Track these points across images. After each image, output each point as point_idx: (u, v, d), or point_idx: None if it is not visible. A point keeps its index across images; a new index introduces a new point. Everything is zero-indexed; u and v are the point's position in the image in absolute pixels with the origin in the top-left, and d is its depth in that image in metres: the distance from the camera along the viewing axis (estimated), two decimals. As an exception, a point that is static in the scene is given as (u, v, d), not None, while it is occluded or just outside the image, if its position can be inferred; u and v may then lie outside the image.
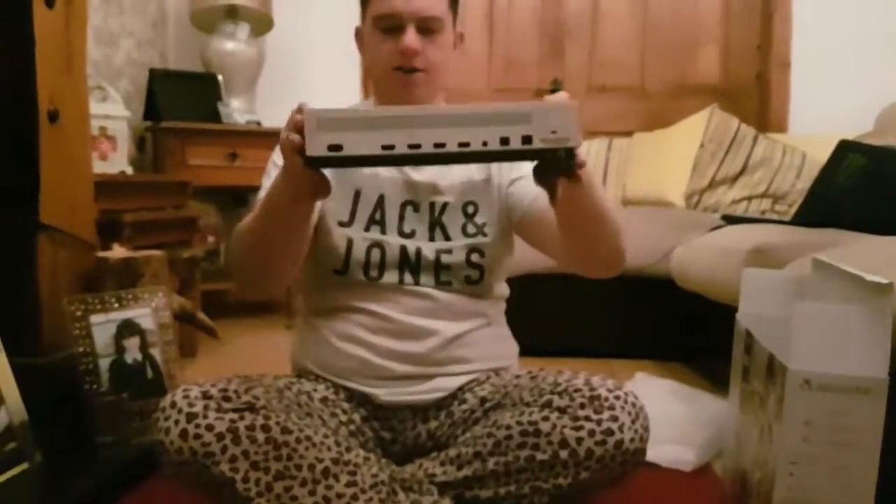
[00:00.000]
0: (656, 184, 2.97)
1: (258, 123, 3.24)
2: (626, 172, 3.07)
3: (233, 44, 3.25)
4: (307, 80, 3.50)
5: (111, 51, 3.04)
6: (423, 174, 1.22)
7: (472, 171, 1.23)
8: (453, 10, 1.22)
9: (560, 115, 0.81)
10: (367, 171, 1.20)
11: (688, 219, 2.62)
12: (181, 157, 2.98)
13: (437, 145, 0.80)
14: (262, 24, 3.34)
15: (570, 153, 0.83)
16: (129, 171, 2.64)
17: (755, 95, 3.52)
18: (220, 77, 3.22)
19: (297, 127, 0.85)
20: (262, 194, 1.10)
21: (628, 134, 3.25)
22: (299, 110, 0.85)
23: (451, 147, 0.80)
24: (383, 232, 1.19)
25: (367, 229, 1.19)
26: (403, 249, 1.19)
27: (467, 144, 0.80)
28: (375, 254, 1.18)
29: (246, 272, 1.11)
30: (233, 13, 3.23)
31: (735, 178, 2.93)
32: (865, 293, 1.00)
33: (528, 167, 1.06)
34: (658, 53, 3.55)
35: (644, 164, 3.05)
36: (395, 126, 0.80)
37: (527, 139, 0.80)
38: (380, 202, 1.20)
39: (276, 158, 1.19)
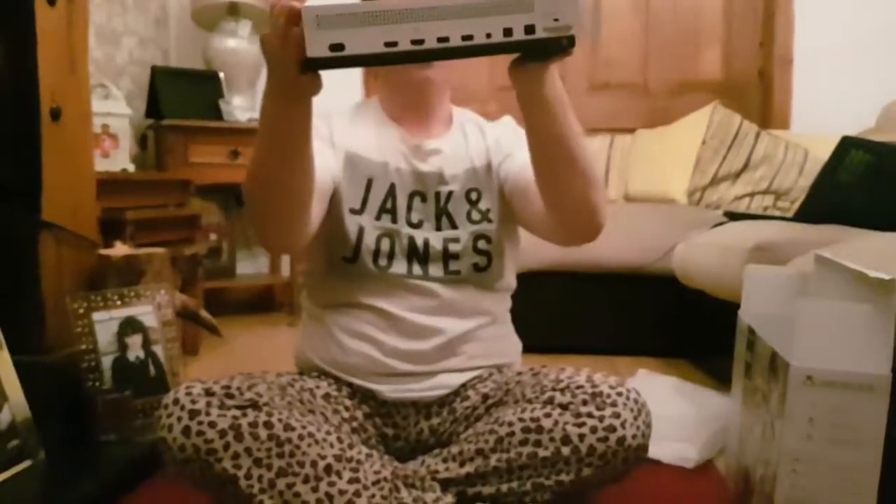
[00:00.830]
0: (659, 181, 2.97)
1: (260, 121, 3.24)
2: (628, 169, 3.07)
3: (234, 41, 3.25)
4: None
5: (113, 49, 3.05)
6: (430, 164, 1.23)
7: (473, 159, 1.24)
8: None
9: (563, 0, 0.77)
10: (378, 160, 1.20)
11: (690, 215, 2.62)
12: (183, 154, 2.98)
13: (440, 40, 0.77)
14: (263, 20, 3.33)
15: (572, 41, 0.80)
16: (131, 168, 2.64)
17: (757, 92, 3.51)
18: (221, 74, 3.22)
19: (292, 18, 0.77)
20: None
21: (631, 131, 3.25)
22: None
23: (455, 41, 0.77)
24: (394, 221, 1.20)
25: (378, 218, 1.19)
26: (412, 240, 1.19)
27: (471, 38, 0.77)
28: (385, 243, 1.19)
29: (264, 214, 1.04)
30: (234, 10, 3.23)
31: (737, 175, 2.92)
32: (868, 290, 1.00)
33: (517, 147, 1.04)
34: (660, 51, 3.54)
35: (646, 161, 3.04)
36: (398, 21, 0.76)
37: (529, 29, 0.78)
38: (391, 191, 1.21)
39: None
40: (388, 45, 0.76)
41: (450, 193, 1.22)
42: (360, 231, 1.18)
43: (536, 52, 0.83)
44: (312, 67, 0.78)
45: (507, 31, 0.77)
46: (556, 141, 0.98)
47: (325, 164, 1.14)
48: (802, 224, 1.76)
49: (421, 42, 0.77)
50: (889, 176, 1.65)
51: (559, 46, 0.80)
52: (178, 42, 3.59)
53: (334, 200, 1.19)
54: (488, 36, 0.77)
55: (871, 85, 3.20)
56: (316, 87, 0.85)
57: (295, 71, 0.81)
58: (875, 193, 1.67)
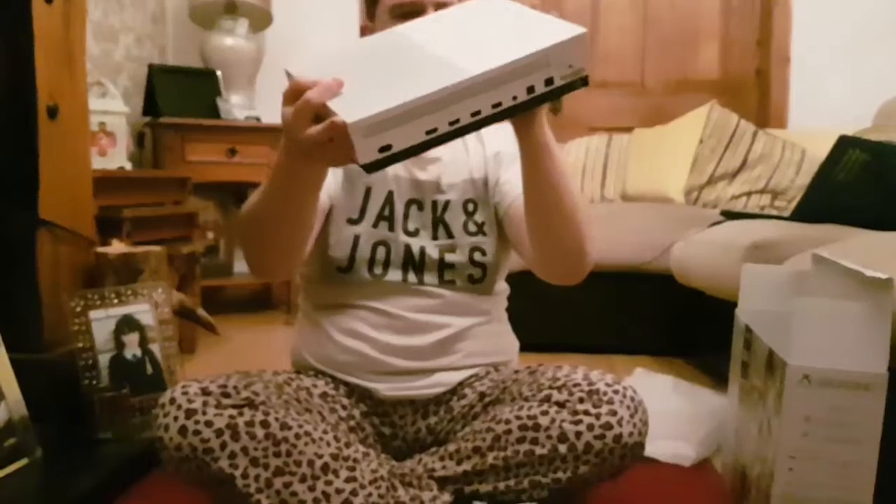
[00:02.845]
0: (656, 179, 2.97)
1: (257, 119, 3.24)
2: (625, 168, 3.07)
3: (232, 39, 3.24)
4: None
5: (110, 46, 3.04)
6: (428, 173, 1.22)
7: (472, 170, 1.23)
8: None
9: (574, 46, 0.81)
10: None
11: (687, 214, 2.62)
12: (180, 152, 2.98)
13: (473, 114, 0.80)
14: (261, 19, 3.33)
15: (586, 80, 0.84)
16: (128, 167, 2.64)
17: (755, 91, 3.51)
18: (219, 73, 3.21)
19: (336, 132, 0.78)
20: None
21: (628, 130, 3.25)
22: (318, 106, 0.81)
23: (486, 111, 0.81)
24: (391, 229, 1.19)
25: (375, 226, 1.19)
26: (408, 248, 1.19)
27: (499, 104, 0.81)
28: (381, 252, 1.18)
29: (260, 251, 1.07)
30: (232, 9, 3.23)
31: (735, 174, 2.92)
32: (865, 289, 1.00)
33: (515, 165, 1.07)
34: (658, 49, 3.55)
35: (644, 160, 3.04)
36: (434, 110, 0.78)
37: (549, 81, 0.81)
38: (388, 199, 1.20)
39: None
40: (428, 133, 0.79)
41: (447, 203, 1.21)
42: (356, 240, 1.18)
43: (555, 98, 0.85)
44: (369, 170, 0.80)
45: (530, 89, 0.81)
46: (550, 187, 0.99)
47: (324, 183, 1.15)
48: (799, 223, 1.76)
49: (457, 121, 0.80)
50: (886, 175, 1.65)
51: (574, 88, 0.83)
52: (176, 39, 3.58)
53: (330, 212, 1.19)
54: (514, 98, 0.81)
55: (869, 84, 3.21)
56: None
57: (330, 161, 0.85)
58: (872, 192, 1.67)
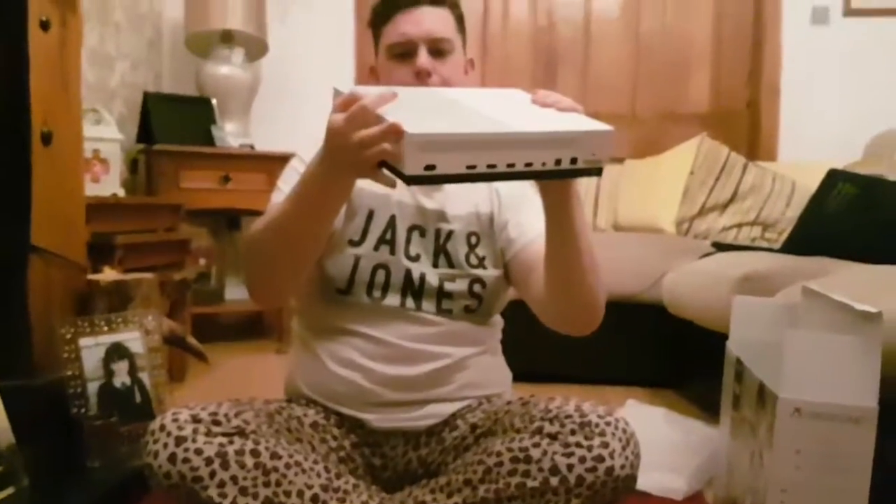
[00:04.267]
0: (647, 210, 2.99)
1: (251, 147, 3.25)
2: (617, 198, 3.09)
3: (228, 68, 3.27)
4: (301, 104, 3.52)
5: (106, 73, 3.05)
6: (434, 201, 1.23)
7: (478, 204, 1.24)
8: (461, 33, 1.26)
9: (604, 139, 0.90)
10: (381, 191, 1.20)
11: (679, 245, 2.63)
12: (174, 179, 2.98)
13: (508, 165, 0.87)
14: (256, 48, 3.36)
15: (601, 171, 0.93)
16: (121, 193, 2.64)
17: (745, 123, 3.55)
18: (214, 100, 3.23)
19: (392, 135, 0.82)
20: (278, 198, 1.11)
21: (619, 160, 3.27)
22: (364, 109, 0.85)
23: (519, 167, 0.88)
24: (392, 252, 1.19)
25: (376, 248, 1.19)
26: (408, 273, 1.19)
27: (531, 164, 0.88)
28: (380, 275, 1.18)
29: (270, 268, 1.07)
30: (228, 38, 3.26)
31: (725, 206, 2.95)
32: (855, 322, 1.00)
33: (525, 209, 1.09)
34: (649, 81, 3.59)
35: (635, 191, 3.06)
36: (480, 149, 0.85)
37: (573, 160, 0.90)
38: (391, 222, 1.21)
39: (298, 166, 1.18)
40: (468, 168, 0.85)
41: (450, 232, 1.22)
42: (356, 262, 1.18)
43: (574, 176, 0.95)
44: (408, 183, 0.85)
45: (557, 161, 0.89)
46: (576, 250, 1.04)
47: None
48: (790, 255, 1.77)
49: (494, 166, 0.86)
50: (876, 208, 1.67)
51: (590, 174, 0.92)
52: (171, 67, 3.61)
53: (334, 231, 1.19)
54: (543, 164, 0.89)
55: (858, 117, 3.25)
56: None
57: (369, 169, 0.88)
58: (862, 226, 1.68)
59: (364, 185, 1.20)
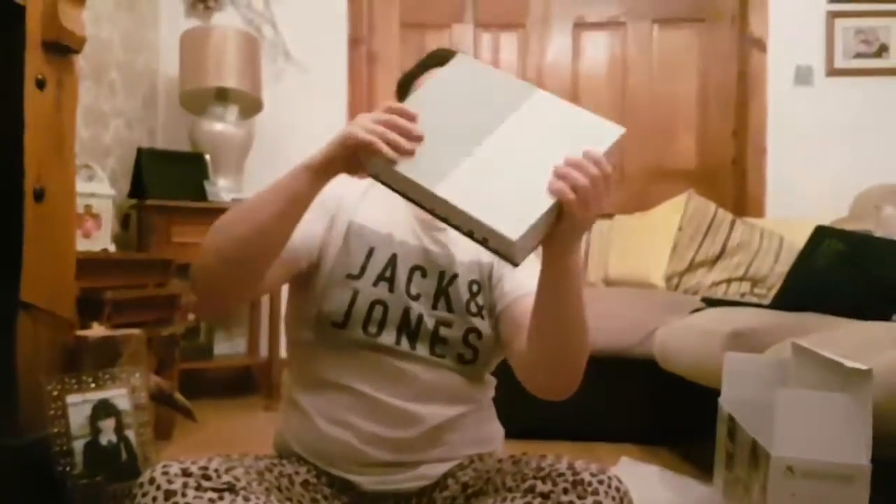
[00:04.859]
0: (637, 265, 3.00)
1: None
2: (608, 253, 3.11)
3: (222, 125, 3.30)
4: (295, 160, 3.53)
5: (100, 129, 3.09)
6: (438, 245, 1.23)
7: (481, 253, 1.24)
8: None
9: (500, 240, 0.89)
10: (383, 231, 1.22)
11: (669, 300, 2.64)
12: (166, 234, 2.99)
13: (441, 214, 0.95)
14: (251, 106, 3.41)
15: (515, 265, 0.93)
16: (112, 248, 2.64)
17: (732, 180, 3.60)
18: (207, 156, 3.26)
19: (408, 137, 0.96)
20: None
21: (609, 216, 3.30)
22: None
23: (450, 220, 0.94)
24: (391, 290, 1.19)
25: (374, 284, 1.19)
26: (406, 312, 1.18)
27: (457, 225, 0.94)
28: (378, 311, 1.17)
29: (223, 265, 1.04)
30: (222, 95, 3.30)
31: (714, 261, 2.97)
32: (846, 380, 1.01)
33: (522, 265, 1.11)
34: (636, 138, 3.64)
35: (625, 246, 3.09)
36: (421, 193, 0.96)
37: (484, 240, 0.92)
38: (392, 260, 1.21)
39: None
40: (408, 198, 0.97)
41: (454, 277, 1.22)
42: (355, 295, 1.17)
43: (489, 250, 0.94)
44: (375, 178, 1.00)
45: (470, 232, 0.93)
46: (567, 309, 1.04)
47: (313, 233, 1.18)
48: (779, 311, 1.78)
49: (432, 210, 0.96)
50: (863, 265, 1.68)
51: (505, 259, 0.92)
52: (166, 124, 3.65)
53: (330, 268, 1.19)
54: (464, 228, 0.93)
55: (844, 174, 3.31)
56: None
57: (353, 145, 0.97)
58: (849, 282, 1.70)
59: (366, 223, 1.22)
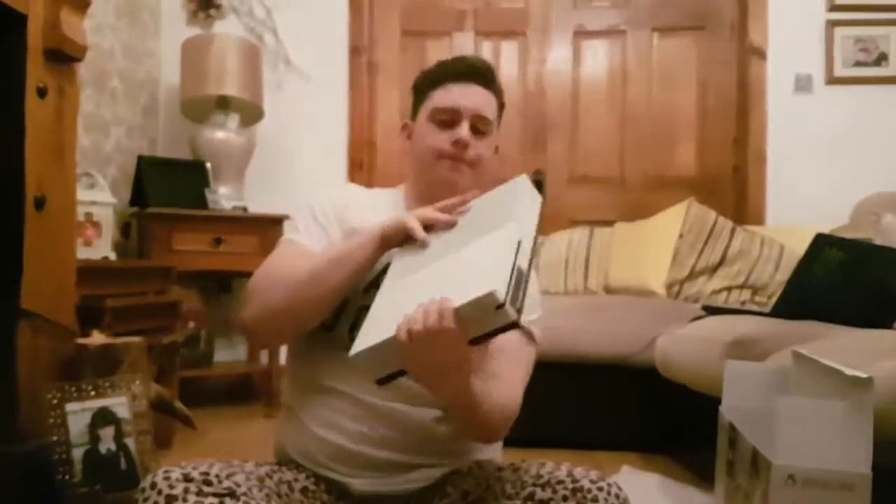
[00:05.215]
0: (638, 273, 3.00)
1: (244, 209, 3.27)
2: (608, 261, 3.11)
3: (223, 133, 3.31)
4: (296, 168, 3.57)
5: (101, 138, 3.09)
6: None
7: None
8: (499, 119, 1.32)
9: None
10: None
11: (669, 308, 2.64)
12: (166, 242, 2.99)
13: None
14: (252, 114, 3.41)
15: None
16: (113, 256, 2.64)
17: (732, 188, 3.60)
18: (208, 164, 3.26)
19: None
20: (293, 238, 1.23)
21: (609, 223, 3.30)
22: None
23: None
24: None
25: (366, 291, 1.19)
26: None
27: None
28: (364, 316, 1.18)
29: (290, 322, 1.16)
30: (224, 104, 3.31)
31: (714, 269, 2.96)
32: (846, 388, 1.00)
33: None
34: (637, 147, 3.65)
35: (625, 254, 3.08)
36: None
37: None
38: (384, 269, 1.21)
39: (317, 210, 1.26)
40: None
41: None
42: (344, 303, 1.18)
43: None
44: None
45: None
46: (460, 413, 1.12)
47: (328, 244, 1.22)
48: (779, 319, 1.78)
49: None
50: (863, 273, 1.68)
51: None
52: (167, 132, 3.65)
53: None
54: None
55: (844, 182, 3.30)
56: None
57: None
58: (850, 290, 1.70)
59: (360, 227, 1.22)
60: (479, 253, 0.99)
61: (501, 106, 1.33)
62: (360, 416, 1.16)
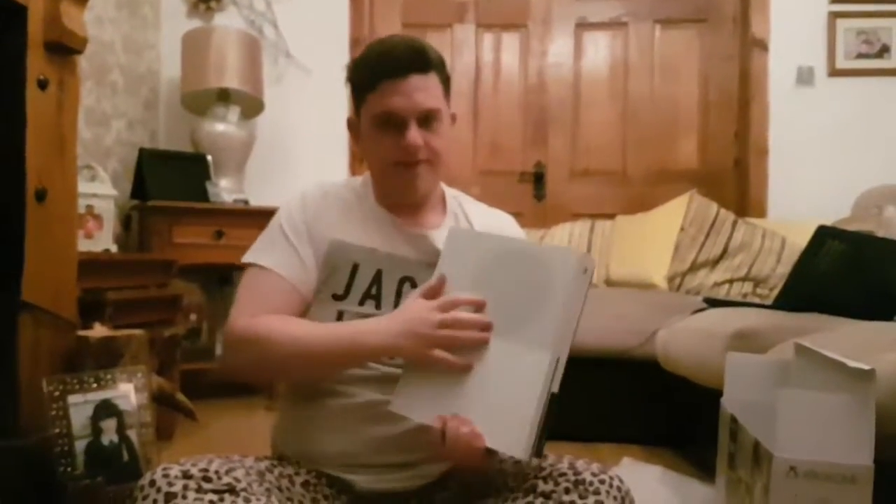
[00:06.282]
0: (639, 265, 3.00)
1: (245, 202, 3.27)
2: (609, 254, 3.10)
3: (223, 126, 3.30)
4: (296, 161, 3.57)
5: (102, 130, 3.09)
6: (422, 252, 1.21)
7: None
8: (447, 95, 1.24)
9: None
10: (366, 246, 1.21)
11: (671, 301, 2.64)
12: (167, 235, 2.99)
13: None
14: (252, 107, 3.41)
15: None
16: (114, 249, 2.64)
17: (734, 181, 3.60)
18: (209, 157, 3.26)
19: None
20: (265, 265, 1.19)
21: (610, 216, 3.30)
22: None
23: None
24: (378, 307, 1.18)
25: (361, 303, 1.18)
26: None
27: None
28: None
29: (268, 378, 1.17)
30: (224, 96, 3.30)
31: (716, 262, 2.96)
32: (848, 380, 1.00)
33: None
34: (638, 140, 3.64)
35: (627, 247, 3.08)
36: None
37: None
38: (377, 277, 1.20)
39: (286, 226, 1.22)
40: None
41: None
42: (339, 316, 1.18)
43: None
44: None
45: None
46: None
47: (301, 268, 1.20)
48: (781, 312, 1.78)
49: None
50: (864, 265, 1.68)
51: None
52: (167, 125, 3.65)
53: (316, 289, 1.19)
54: None
55: (846, 174, 3.30)
56: None
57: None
58: (852, 282, 1.69)
59: (346, 238, 1.21)
60: (509, 380, 1.01)
61: (446, 81, 1.23)
62: (363, 418, 1.15)
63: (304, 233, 1.21)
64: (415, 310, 1.07)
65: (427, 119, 1.18)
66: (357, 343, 1.09)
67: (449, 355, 1.03)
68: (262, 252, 1.22)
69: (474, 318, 1.04)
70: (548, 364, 0.99)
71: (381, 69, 1.17)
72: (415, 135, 1.16)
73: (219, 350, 3.45)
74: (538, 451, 0.99)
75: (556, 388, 1.01)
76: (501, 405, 1.00)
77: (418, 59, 1.18)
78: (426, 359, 1.05)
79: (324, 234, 1.21)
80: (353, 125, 1.27)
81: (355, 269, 1.20)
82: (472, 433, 0.99)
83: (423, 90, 1.17)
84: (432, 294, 1.08)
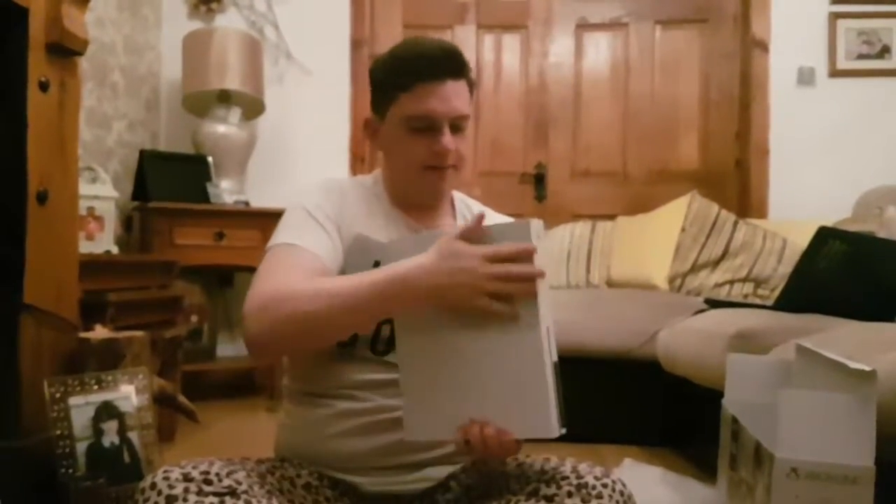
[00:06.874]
0: (640, 266, 3.00)
1: (246, 203, 3.27)
2: (610, 254, 3.10)
3: (224, 127, 3.30)
4: (297, 162, 3.57)
5: (103, 132, 3.09)
6: None
7: None
8: (471, 98, 1.24)
9: None
10: (386, 243, 1.17)
11: (672, 301, 2.64)
12: (168, 236, 2.99)
13: None
14: (253, 108, 3.41)
15: None
16: (115, 250, 2.64)
17: (735, 181, 3.60)
18: (210, 158, 3.26)
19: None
20: (295, 243, 1.15)
21: (611, 217, 3.30)
22: None
23: None
24: None
25: None
26: None
27: None
28: (386, 329, 1.16)
29: (297, 345, 1.14)
30: (225, 98, 3.30)
31: (717, 263, 2.96)
32: (850, 381, 1.00)
33: None
34: (639, 140, 3.64)
35: (628, 247, 3.08)
36: None
37: None
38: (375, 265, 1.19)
39: (316, 213, 1.19)
40: None
41: None
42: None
43: None
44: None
45: None
46: None
47: (333, 251, 1.18)
48: (782, 312, 1.78)
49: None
50: (866, 266, 1.68)
51: None
52: (168, 126, 3.65)
53: None
54: None
55: (847, 175, 3.30)
56: None
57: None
58: (853, 283, 1.69)
59: (370, 233, 1.20)
60: (513, 368, 0.99)
61: (472, 87, 1.23)
62: (374, 422, 1.15)
63: (333, 220, 1.19)
64: (463, 256, 0.98)
65: (457, 125, 1.18)
66: (409, 283, 1.00)
67: (498, 303, 0.98)
68: (289, 235, 1.17)
69: (524, 270, 0.98)
70: (542, 338, 0.98)
71: (418, 69, 1.16)
72: (449, 140, 1.16)
73: (219, 351, 3.45)
74: (565, 422, 1.01)
75: (555, 357, 1.00)
76: (514, 395, 1.00)
77: (454, 64, 1.18)
78: (473, 308, 0.98)
79: (350, 227, 1.20)
80: (372, 125, 1.26)
81: (376, 266, 1.18)
82: (497, 432, 0.98)
83: (459, 95, 1.18)
84: (471, 235, 1.00)
